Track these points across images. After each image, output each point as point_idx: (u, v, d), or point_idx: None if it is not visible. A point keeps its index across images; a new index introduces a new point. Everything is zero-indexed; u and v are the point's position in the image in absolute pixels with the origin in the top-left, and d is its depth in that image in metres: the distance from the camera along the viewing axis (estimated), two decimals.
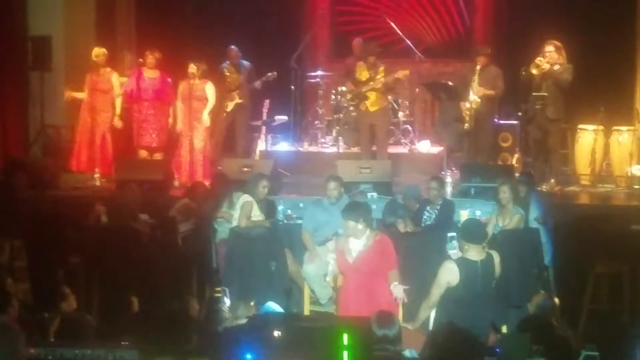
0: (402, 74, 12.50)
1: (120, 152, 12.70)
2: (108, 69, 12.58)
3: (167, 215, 9.97)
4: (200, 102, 12.31)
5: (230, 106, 13.18)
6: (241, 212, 9.38)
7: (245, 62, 13.46)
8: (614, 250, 9.21)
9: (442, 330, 5.94)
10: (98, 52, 12.55)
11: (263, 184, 9.62)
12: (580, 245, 9.38)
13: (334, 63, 15.17)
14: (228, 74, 13.25)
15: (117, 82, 12.59)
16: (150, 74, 12.47)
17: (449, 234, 8.86)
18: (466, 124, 12.11)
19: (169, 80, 12.51)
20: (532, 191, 10.11)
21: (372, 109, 12.56)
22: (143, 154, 12.55)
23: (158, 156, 12.59)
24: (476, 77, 12.08)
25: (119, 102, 12.53)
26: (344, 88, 13.59)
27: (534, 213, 9.60)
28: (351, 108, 13.38)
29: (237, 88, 13.24)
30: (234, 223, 9.45)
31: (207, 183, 11.36)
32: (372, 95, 12.51)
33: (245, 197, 9.46)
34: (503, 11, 14.81)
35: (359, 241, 8.02)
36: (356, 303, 7.96)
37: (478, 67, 12.13)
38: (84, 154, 12.51)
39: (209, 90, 12.32)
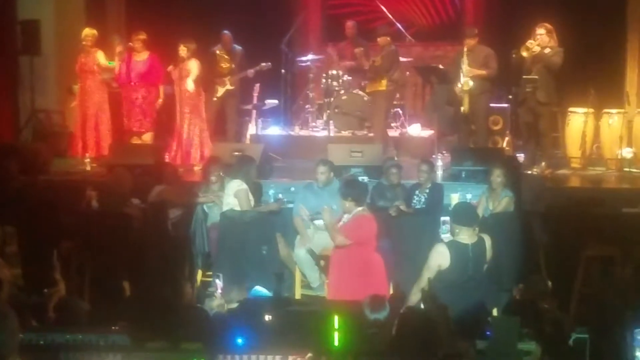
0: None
1: (113, 137, 12.67)
2: (94, 49, 12.54)
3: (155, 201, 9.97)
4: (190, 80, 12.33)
5: (220, 91, 13.16)
6: (240, 201, 9.35)
7: (238, 47, 13.43)
8: (605, 233, 9.22)
9: (403, 317, 5.95)
10: (87, 32, 12.52)
11: (254, 168, 9.68)
12: (571, 229, 9.39)
13: (324, 47, 15.13)
14: (220, 59, 13.23)
15: (103, 60, 12.54)
16: (139, 57, 12.48)
17: (443, 218, 8.91)
18: (462, 107, 12.08)
19: (158, 61, 12.50)
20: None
21: (368, 91, 12.81)
22: (133, 138, 12.55)
23: (147, 138, 12.59)
24: (465, 59, 12.04)
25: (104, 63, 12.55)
26: (334, 71, 13.62)
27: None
28: (342, 92, 13.39)
29: (228, 74, 13.22)
30: (225, 207, 9.44)
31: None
32: (371, 78, 12.71)
33: (238, 184, 9.42)
34: None
35: (347, 216, 8.55)
36: (348, 277, 8.37)
37: (465, 50, 12.10)
38: (79, 138, 12.52)
39: (192, 65, 12.31)
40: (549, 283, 8.79)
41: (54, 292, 7.63)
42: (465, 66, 12.01)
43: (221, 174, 9.81)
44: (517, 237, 9.07)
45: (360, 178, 10.79)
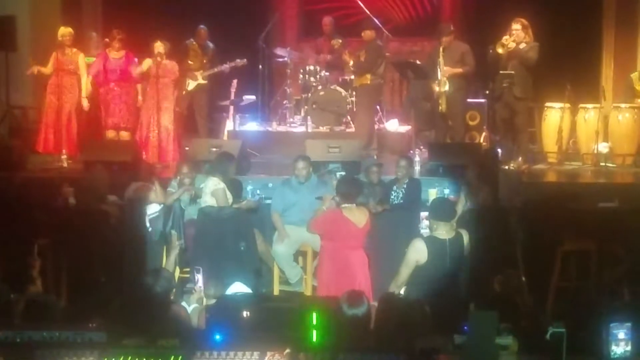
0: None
1: (88, 134, 12.57)
2: (74, 50, 12.44)
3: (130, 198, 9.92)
4: (168, 79, 12.25)
5: (191, 85, 13.13)
6: (217, 201, 9.33)
7: (210, 44, 13.44)
8: (582, 227, 9.25)
9: (382, 300, 5.98)
10: (64, 31, 12.42)
11: (233, 165, 9.67)
12: (548, 223, 9.41)
13: (302, 42, 15.12)
14: (193, 52, 13.20)
15: (83, 62, 12.47)
16: (116, 55, 12.40)
17: (422, 213, 8.92)
18: (440, 106, 12.07)
19: (135, 59, 12.44)
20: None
21: (354, 85, 12.98)
22: (111, 134, 12.48)
23: (125, 136, 12.52)
24: (441, 59, 12.02)
25: (84, 82, 12.41)
26: (312, 67, 13.60)
27: None
28: (319, 87, 13.38)
29: (200, 68, 13.20)
30: (202, 204, 9.41)
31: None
32: (356, 73, 12.93)
33: (215, 183, 9.39)
34: None
35: None
36: (326, 273, 8.45)
37: (441, 48, 12.08)
38: (50, 134, 12.38)
39: (173, 64, 12.32)
40: (523, 278, 8.84)
41: (20, 297, 7.55)
42: (442, 65, 12.00)
43: (193, 174, 9.80)
44: (494, 232, 9.09)
45: (337, 174, 10.81)
